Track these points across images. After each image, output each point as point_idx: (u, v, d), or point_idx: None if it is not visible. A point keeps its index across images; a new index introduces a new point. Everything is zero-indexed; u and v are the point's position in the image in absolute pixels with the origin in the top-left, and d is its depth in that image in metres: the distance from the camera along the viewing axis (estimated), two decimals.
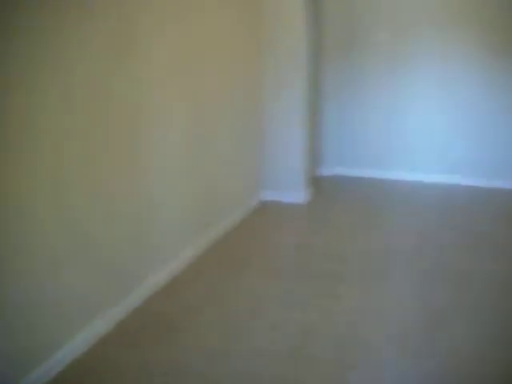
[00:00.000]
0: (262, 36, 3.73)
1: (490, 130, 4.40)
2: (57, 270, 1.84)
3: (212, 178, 3.13)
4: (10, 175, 1.60)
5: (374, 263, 2.87)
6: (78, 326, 1.98)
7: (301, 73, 3.75)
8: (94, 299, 2.07)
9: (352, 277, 2.71)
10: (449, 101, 4.45)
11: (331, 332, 2.16)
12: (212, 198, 3.15)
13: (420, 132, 4.60)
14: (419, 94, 4.52)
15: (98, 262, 2.08)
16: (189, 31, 2.69)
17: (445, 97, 4.45)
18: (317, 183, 4.47)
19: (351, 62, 4.66)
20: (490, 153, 4.44)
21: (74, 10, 1.82)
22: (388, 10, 4.46)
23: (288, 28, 3.68)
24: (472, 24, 4.23)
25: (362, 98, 4.72)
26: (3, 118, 1.55)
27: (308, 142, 4.02)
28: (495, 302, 2.41)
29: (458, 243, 3.15)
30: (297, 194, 3.97)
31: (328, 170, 4.93)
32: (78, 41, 1.86)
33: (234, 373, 1.88)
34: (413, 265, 2.84)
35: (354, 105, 4.76)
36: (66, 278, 1.89)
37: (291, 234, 3.40)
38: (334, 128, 4.84)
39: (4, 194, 1.59)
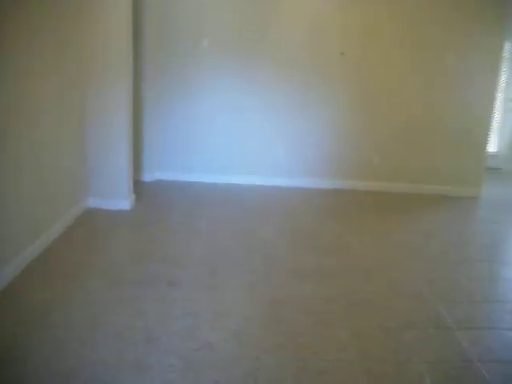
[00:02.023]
0: (84, 38, 3.59)
1: (303, 135, 4.85)
2: None
3: (35, 186, 2.97)
4: None
5: (205, 264, 3.00)
6: None
7: (124, 76, 3.70)
8: None
9: (186, 280, 2.78)
10: (269, 107, 4.80)
11: (172, 338, 2.19)
12: (36, 207, 2.98)
13: (237, 136, 4.87)
14: (240, 102, 4.77)
15: None
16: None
17: (266, 104, 4.79)
18: (139, 188, 4.44)
19: (174, 70, 4.70)
20: (303, 155, 4.90)
21: None
22: (210, 19, 4.60)
23: (112, 31, 3.60)
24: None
25: (185, 105, 4.79)
26: None
27: (131, 146, 3.96)
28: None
29: (280, 239, 3.50)
30: (121, 201, 3.91)
31: (149, 175, 4.92)
32: None
33: None
34: (243, 262, 3.07)
35: (175, 112, 4.81)
36: None
37: (118, 241, 3.35)
38: (155, 134, 4.84)
39: None
